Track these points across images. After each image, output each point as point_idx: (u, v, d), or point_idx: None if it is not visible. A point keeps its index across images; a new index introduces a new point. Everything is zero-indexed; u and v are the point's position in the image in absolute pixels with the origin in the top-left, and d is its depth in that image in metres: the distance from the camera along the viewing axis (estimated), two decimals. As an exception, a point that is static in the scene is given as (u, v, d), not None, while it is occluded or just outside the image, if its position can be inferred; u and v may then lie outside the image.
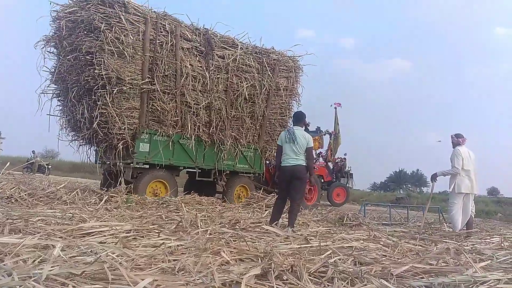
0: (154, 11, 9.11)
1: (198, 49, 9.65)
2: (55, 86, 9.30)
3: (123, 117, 8.47)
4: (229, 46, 10.27)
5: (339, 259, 3.72)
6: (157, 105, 8.94)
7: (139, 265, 2.93)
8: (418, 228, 7.14)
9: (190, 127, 9.42)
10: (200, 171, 10.06)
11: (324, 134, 14.91)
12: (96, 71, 8.01)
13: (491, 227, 9.58)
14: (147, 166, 9.18)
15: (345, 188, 14.89)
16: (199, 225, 4.95)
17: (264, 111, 10.68)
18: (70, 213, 5.20)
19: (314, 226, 6.53)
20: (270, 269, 2.78)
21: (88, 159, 9.59)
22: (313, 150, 14.46)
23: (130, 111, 8.62)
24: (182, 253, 3.48)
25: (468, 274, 3.05)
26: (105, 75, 8.05)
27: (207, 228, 4.72)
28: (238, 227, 5.24)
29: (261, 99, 10.54)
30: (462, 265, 3.53)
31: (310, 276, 2.94)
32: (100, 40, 8.09)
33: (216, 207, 8.12)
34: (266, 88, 10.62)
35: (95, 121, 8.18)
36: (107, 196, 7.59)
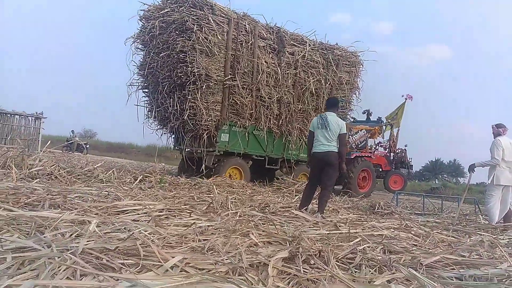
0: (235, 12, 9.99)
1: (272, 46, 10.54)
2: (142, 79, 10.44)
3: (209, 110, 9.46)
4: (298, 43, 11.11)
5: (368, 247, 3.69)
6: (236, 99, 9.87)
7: (170, 243, 3.02)
8: (452, 219, 6.96)
9: (263, 120, 10.37)
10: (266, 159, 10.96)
11: (386, 125, 14.92)
12: (188, 68, 8.98)
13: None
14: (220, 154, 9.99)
15: (402, 175, 14.70)
16: (229, 207, 5.03)
17: None
18: (106, 191, 5.39)
19: (344, 213, 6.49)
20: (297, 253, 2.80)
21: (173, 146, 10.94)
22: (368, 138, 14.70)
23: (214, 105, 9.59)
24: (212, 233, 3.56)
25: (502, 268, 2.97)
26: (196, 72, 8.99)
27: (237, 210, 4.80)
28: (267, 211, 5.29)
29: (325, 93, 11.38)
30: (496, 259, 3.43)
31: (338, 262, 2.94)
32: (192, 40, 8.98)
33: (247, 191, 8.21)
34: (330, 83, 11.48)
35: (186, 113, 9.19)
36: (141, 176, 7.82)
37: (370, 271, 2.85)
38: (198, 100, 9.18)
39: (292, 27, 13.15)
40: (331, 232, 4.22)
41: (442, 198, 9.45)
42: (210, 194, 6.74)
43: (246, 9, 10.30)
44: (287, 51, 10.65)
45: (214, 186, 7.37)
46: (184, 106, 9.22)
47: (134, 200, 4.88)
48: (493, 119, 8.71)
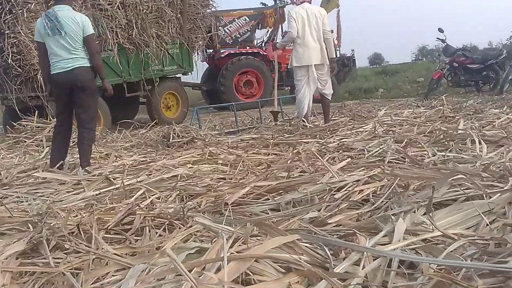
0: None
1: None
2: None
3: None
4: None
5: (158, 198, 3.89)
6: None
7: None
8: (274, 129, 7.83)
9: (109, 35, 11.39)
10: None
11: (284, 5, 15.72)
12: None
13: (369, 109, 10.89)
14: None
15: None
16: None
17: None
18: None
19: (126, 155, 6.61)
20: (41, 239, 2.77)
21: None
22: (257, 28, 15.56)
23: None
24: None
25: (323, 182, 3.48)
26: None
27: None
28: (-4, 184, 5.02)
29: None
30: (320, 171, 4.00)
31: (109, 234, 3.03)
32: None
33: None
34: None
35: (7, 53, 9.95)
36: None
37: (157, 233, 3.02)
38: (20, 32, 9.92)
39: None
40: (101, 191, 4.28)
41: (259, 103, 10.32)
42: None
43: None
44: None
45: None
46: (3, 44, 9.96)
47: None
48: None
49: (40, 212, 3.51)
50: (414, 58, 43.60)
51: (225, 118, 11.69)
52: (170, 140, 7.48)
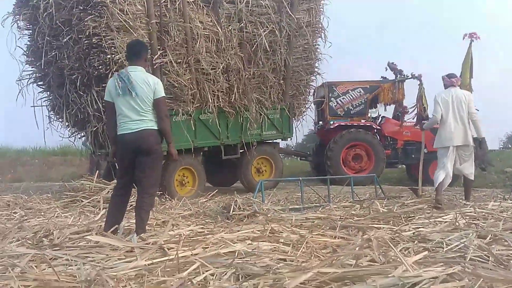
0: None
1: None
2: (35, 69, 11.95)
3: None
4: None
5: (212, 275, 3.85)
6: (172, 80, 11.55)
7: None
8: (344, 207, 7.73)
9: (211, 98, 12.24)
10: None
11: (406, 78, 16.05)
12: (107, 56, 10.34)
13: (449, 197, 10.61)
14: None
15: None
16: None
17: (286, 59, 13.54)
18: None
19: (183, 224, 6.64)
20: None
21: (92, 150, 12.51)
22: (370, 100, 16.61)
23: None
24: None
25: (395, 275, 3.36)
26: (119, 59, 10.31)
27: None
28: (48, 243, 5.11)
29: (282, 45, 13.36)
30: (392, 262, 3.88)
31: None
32: (105, 17, 10.27)
33: (15, 212, 7.81)
34: (286, 31, 13.38)
35: None
36: None
37: (208, 315, 2.97)
38: None
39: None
40: (154, 261, 4.28)
41: (328, 180, 10.26)
42: None
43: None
44: (225, 0, 12.35)
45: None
46: None
47: None
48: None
49: (88, 278, 3.53)
50: (501, 146, 42.64)
51: (290, 193, 11.64)
52: (231, 212, 7.50)
